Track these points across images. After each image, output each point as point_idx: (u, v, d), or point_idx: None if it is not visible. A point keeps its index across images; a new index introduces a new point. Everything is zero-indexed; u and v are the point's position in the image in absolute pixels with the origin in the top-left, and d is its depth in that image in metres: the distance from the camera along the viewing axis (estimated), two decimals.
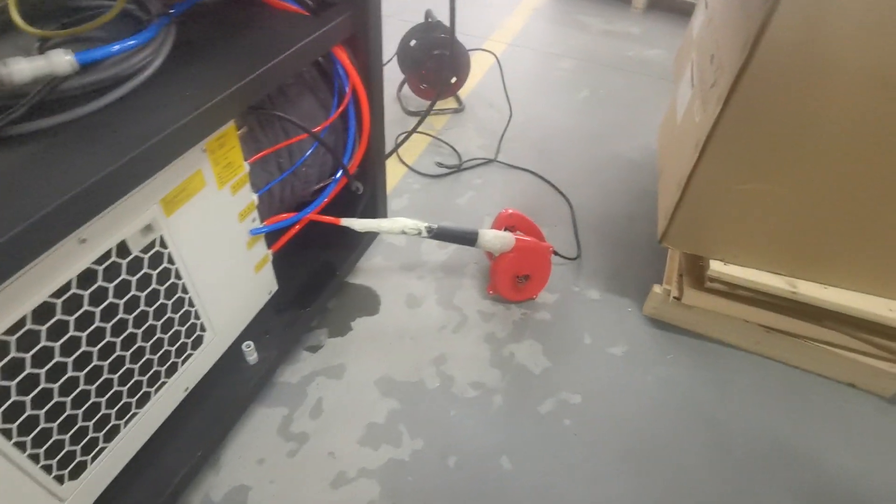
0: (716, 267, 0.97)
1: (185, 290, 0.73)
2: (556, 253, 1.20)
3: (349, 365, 1.06)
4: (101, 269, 0.59)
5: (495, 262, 1.13)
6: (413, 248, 1.31)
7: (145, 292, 0.67)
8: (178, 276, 0.71)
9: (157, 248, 0.66)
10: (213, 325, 0.82)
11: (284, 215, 0.90)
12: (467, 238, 1.08)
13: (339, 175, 0.95)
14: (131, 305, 0.65)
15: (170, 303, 0.72)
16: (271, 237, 0.90)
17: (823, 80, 0.73)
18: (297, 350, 1.07)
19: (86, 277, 0.58)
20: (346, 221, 0.98)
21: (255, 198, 0.82)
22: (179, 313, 0.74)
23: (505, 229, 1.17)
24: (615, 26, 2.41)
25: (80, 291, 0.58)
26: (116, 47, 0.58)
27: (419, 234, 1.03)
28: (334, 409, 0.99)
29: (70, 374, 0.60)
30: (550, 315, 1.18)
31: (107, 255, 0.60)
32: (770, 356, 1.11)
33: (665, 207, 1.00)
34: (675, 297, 1.07)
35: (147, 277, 0.66)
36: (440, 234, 1.05)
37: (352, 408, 1.00)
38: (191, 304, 0.76)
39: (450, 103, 1.82)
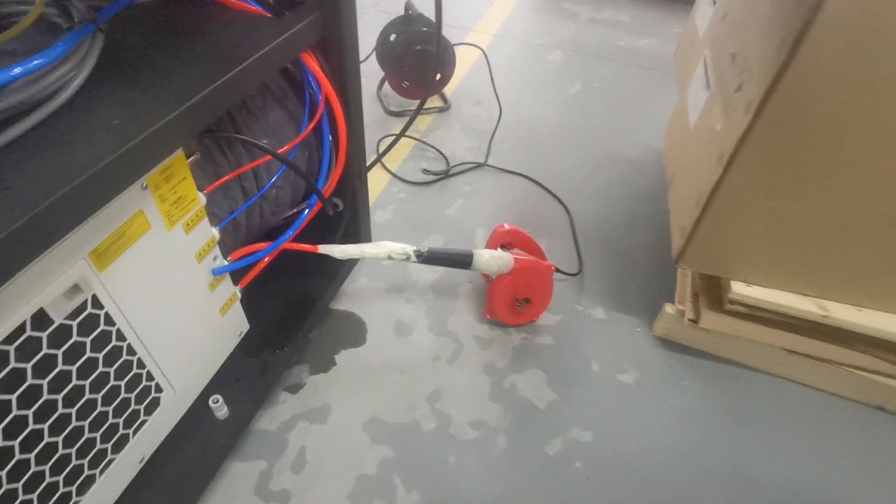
0: (738, 289, 0.88)
1: (131, 352, 0.61)
2: (557, 270, 1.10)
3: (334, 406, 0.95)
4: (11, 349, 0.47)
5: (492, 284, 1.02)
6: (400, 267, 1.19)
7: (77, 365, 0.55)
8: (120, 338, 0.59)
9: (88, 310, 0.54)
10: (171, 382, 0.70)
11: (252, 247, 0.78)
12: (461, 261, 0.97)
13: (314, 200, 0.83)
14: (60, 383, 0.53)
15: (112, 370, 0.60)
16: (239, 271, 0.78)
17: (874, 85, 0.63)
18: (275, 391, 0.96)
19: None
20: (324, 248, 0.87)
21: (215, 233, 0.70)
22: (126, 379, 0.62)
23: (501, 247, 1.06)
24: (603, 14, 2.29)
25: None
26: (18, 69, 0.46)
27: (407, 259, 0.92)
28: (319, 459, 0.88)
29: None
30: (553, 339, 1.08)
31: (19, 330, 0.47)
32: (792, 378, 1.02)
33: (681, 225, 0.90)
34: (690, 320, 0.98)
35: (78, 347, 0.54)
36: (431, 259, 0.94)
37: (339, 457, 0.89)
38: (140, 366, 0.64)
39: (434, 101, 1.70)
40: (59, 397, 0.54)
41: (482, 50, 1.69)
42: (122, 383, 0.62)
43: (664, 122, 1.64)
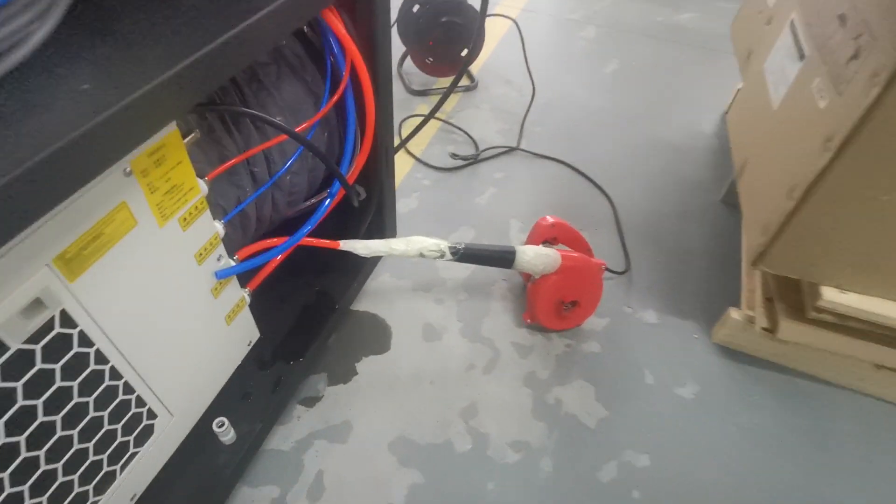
0: (830, 296, 0.75)
1: (115, 377, 0.50)
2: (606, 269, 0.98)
3: (356, 422, 0.84)
4: None
5: (535, 284, 0.90)
6: (428, 263, 1.07)
7: (43, 398, 0.43)
8: (100, 361, 0.48)
9: (56, 330, 0.43)
10: (167, 406, 0.59)
11: (263, 244, 0.66)
12: (502, 259, 0.85)
13: (335, 188, 0.71)
14: (21, 421, 0.42)
15: (90, 399, 0.48)
16: (248, 271, 0.67)
17: None
18: (289, 405, 0.85)
19: None
20: (346, 245, 0.75)
21: (219, 228, 0.58)
22: (110, 408, 0.51)
23: (544, 242, 0.93)
24: None
25: None
26: None
27: (441, 256, 0.80)
28: (339, 485, 0.77)
29: None
30: (600, 346, 0.96)
31: None
32: (881, 397, 0.89)
33: (762, 221, 0.77)
34: (764, 329, 0.85)
35: (45, 375, 0.43)
36: (468, 256, 0.82)
37: (361, 484, 0.78)
38: (127, 391, 0.52)
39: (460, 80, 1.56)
40: (21, 439, 0.43)
41: (515, 22, 1.55)
42: (105, 413, 0.50)
43: (711, 104, 1.49)
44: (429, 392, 0.88)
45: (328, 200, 0.70)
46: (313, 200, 0.75)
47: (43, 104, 0.37)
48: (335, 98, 0.65)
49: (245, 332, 0.70)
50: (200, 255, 0.57)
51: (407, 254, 0.78)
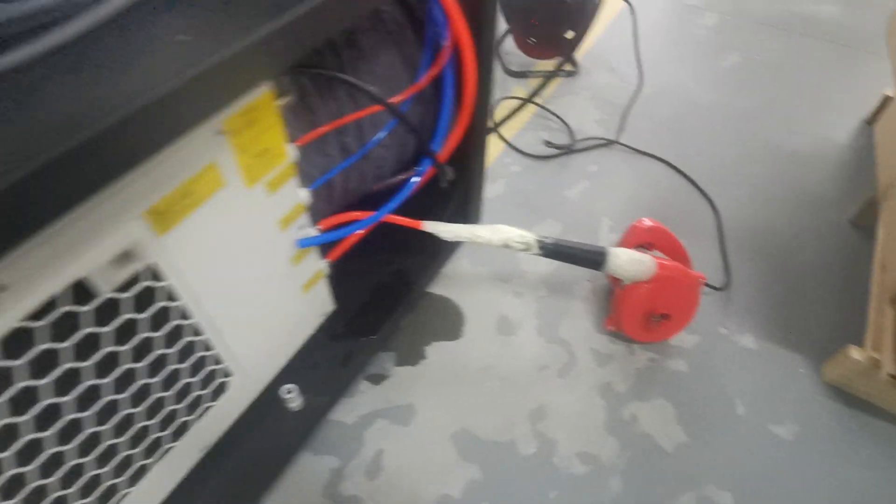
0: None
1: (196, 332, 0.51)
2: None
3: (419, 407, 0.82)
4: (40, 325, 0.37)
5: (625, 291, 0.83)
6: (510, 254, 1.03)
7: (130, 346, 0.44)
8: (184, 316, 0.48)
9: (145, 282, 0.43)
10: (241, 366, 0.59)
11: (347, 216, 0.65)
12: (592, 260, 0.79)
13: (424, 166, 0.68)
14: (106, 367, 0.43)
15: (173, 352, 0.49)
16: (328, 243, 0.66)
17: None
18: (356, 379, 0.84)
19: (14, 342, 0.36)
20: (429, 226, 0.72)
21: (305, 196, 0.57)
22: (189, 362, 0.52)
23: (638, 247, 0.86)
24: None
25: (6, 363, 0.36)
26: None
27: (527, 249, 0.75)
28: (397, 468, 0.76)
29: (16, 470, 0.39)
30: (687, 365, 0.88)
31: (50, 305, 0.37)
32: None
33: None
34: (891, 376, 0.74)
35: (131, 325, 0.44)
36: (555, 252, 0.77)
37: (420, 470, 0.76)
38: (207, 348, 0.53)
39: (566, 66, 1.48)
40: (105, 382, 0.44)
41: (629, 3, 1.44)
42: (185, 367, 0.51)
43: (848, 110, 1.32)
44: (497, 388, 0.85)
45: (416, 178, 0.68)
46: (401, 177, 0.73)
47: (137, 57, 0.36)
48: (435, 71, 0.61)
49: (320, 303, 0.70)
50: (285, 221, 0.56)
51: (491, 242, 0.74)
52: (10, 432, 0.38)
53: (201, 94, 0.36)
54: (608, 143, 1.26)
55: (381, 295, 0.82)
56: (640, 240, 0.86)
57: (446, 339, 0.90)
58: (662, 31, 1.62)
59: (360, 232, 0.67)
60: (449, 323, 0.92)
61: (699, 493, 0.75)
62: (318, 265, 0.65)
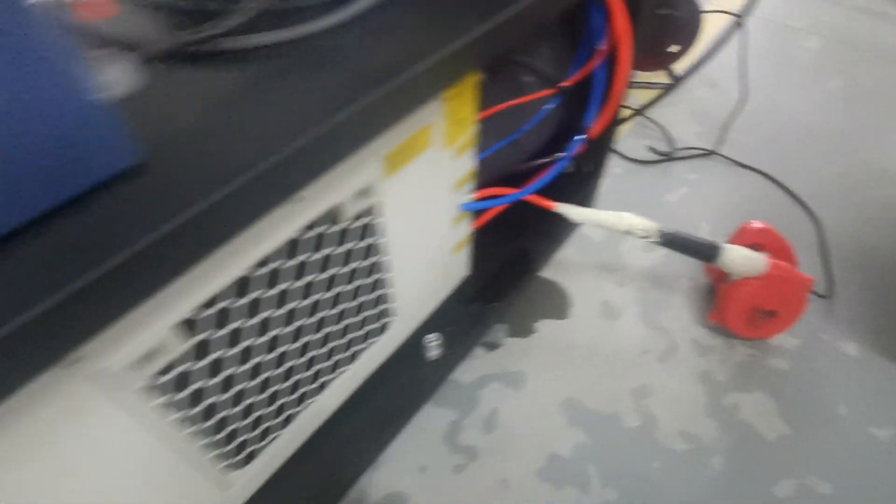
0: None
1: (386, 270, 0.60)
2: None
3: (530, 375, 0.89)
4: (304, 239, 0.47)
5: (733, 286, 0.88)
6: (612, 246, 1.09)
7: (345, 269, 0.54)
8: (383, 253, 0.58)
9: (369, 216, 0.53)
10: (400, 310, 0.69)
11: (497, 190, 0.74)
12: (706, 252, 0.84)
13: (572, 150, 0.76)
14: (329, 284, 0.53)
15: (367, 282, 0.59)
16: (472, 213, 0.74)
17: None
18: (474, 343, 0.93)
19: (289, 249, 0.46)
20: (561, 208, 0.80)
21: (474, 164, 0.66)
22: (374, 295, 0.61)
23: (747, 247, 0.91)
24: (874, 3, 1.90)
25: (279, 265, 0.46)
26: None
27: (647, 237, 0.82)
28: (510, 425, 0.83)
29: (257, 359, 0.49)
30: (788, 364, 0.91)
31: (316, 222, 0.47)
32: None
33: None
34: None
35: (349, 253, 0.53)
36: (673, 242, 0.83)
37: (531, 429, 0.83)
38: (387, 286, 0.62)
39: (660, 76, 1.53)
40: (326, 296, 0.53)
41: (738, 20, 1.48)
42: (370, 298, 0.61)
43: None
44: (601, 365, 0.91)
45: (563, 162, 0.76)
46: (542, 160, 0.81)
47: (408, 32, 0.46)
48: (588, 69, 0.69)
49: (462, 265, 0.78)
50: (459, 184, 0.65)
51: (615, 227, 0.81)
52: (264, 326, 0.48)
53: (446, 67, 0.45)
54: (708, 154, 1.30)
55: (506, 269, 0.89)
56: (750, 240, 0.90)
57: (554, 318, 0.97)
58: (764, 51, 1.64)
59: (504, 206, 0.75)
60: (556, 304, 0.99)
61: (799, 481, 0.78)
62: (467, 229, 0.74)
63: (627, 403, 0.86)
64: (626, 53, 0.69)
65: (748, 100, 1.42)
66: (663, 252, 1.07)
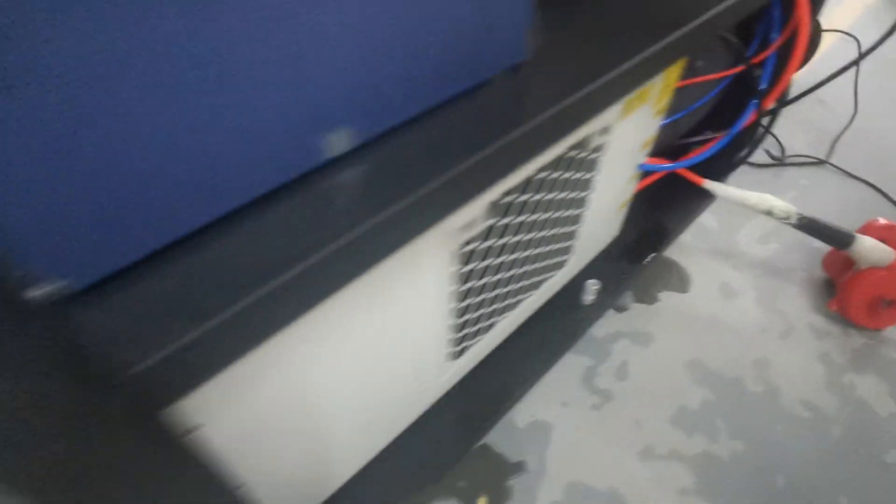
0: None
1: (585, 206, 0.70)
2: None
3: (656, 336, 0.97)
4: (566, 157, 0.56)
5: (858, 275, 0.94)
6: (727, 234, 1.16)
7: (566, 195, 0.63)
8: (591, 189, 0.67)
9: (598, 152, 0.62)
10: (576, 250, 0.78)
11: (657, 160, 0.82)
12: (840, 239, 0.91)
13: (736, 128, 0.84)
14: (555, 205, 0.63)
15: (573, 214, 0.68)
16: None
17: None
18: (608, 302, 1.01)
19: (554, 164, 0.55)
20: (709, 184, 0.88)
21: (659, 129, 0.75)
22: (570, 229, 0.70)
23: None
24: None
25: (546, 175, 0.55)
26: None
27: (787, 219, 0.89)
28: (640, 376, 0.92)
29: (503, 274, 0.59)
30: None
31: (573, 146, 0.56)
32: None
33: None
34: None
35: (574, 181, 0.63)
36: (809, 226, 0.90)
37: (659, 382, 0.91)
38: (579, 223, 0.72)
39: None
40: (549, 217, 0.63)
41: (856, 40, 1.53)
42: (566, 231, 0.70)
43: None
44: (723, 336, 0.98)
45: (727, 139, 0.84)
46: (708, 137, 0.89)
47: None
48: (763, 56, 0.78)
49: (618, 224, 0.87)
50: (646, 144, 0.74)
51: (757, 207, 0.88)
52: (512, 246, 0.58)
53: (688, 41, 0.54)
54: (819, 163, 1.36)
55: (643, 238, 0.98)
56: (878, 235, 0.96)
57: (675, 290, 1.05)
58: (877, 68, 1.68)
59: (660, 174, 0.84)
60: (676, 278, 1.07)
61: None
62: (631, 190, 0.83)
63: (750, 371, 0.93)
64: (804, 36, 0.78)
65: (857, 115, 1.47)
66: (777, 245, 1.14)
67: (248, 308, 0.29)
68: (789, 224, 0.90)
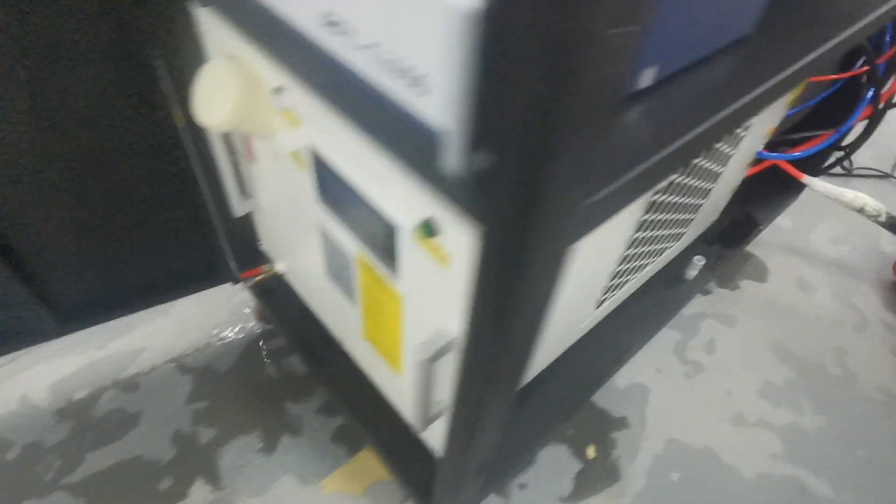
0: None
1: (717, 181, 0.76)
2: None
3: (739, 318, 1.04)
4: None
5: None
6: (802, 234, 1.23)
7: (711, 167, 0.70)
8: (727, 166, 0.74)
9: (745, 132, 0.69)
10: (692, 226, 0.84)
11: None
12: None
13: (844, 127, 0.91)
14: (702, 177, 0.69)
15: (706, 187, 0.75)
16: None
17: None
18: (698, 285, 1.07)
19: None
20: (808, 179, 0.95)
21: (780, 121, 0.82)
22: (697, 201, 0.77)
23: None
24: None
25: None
26: None
27: (877, 217, 0.96)
28: (727, 352, 0.98)
29: (654, 231, 0.66)
30: None
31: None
32: None
33: None
34: None
35: (720, 155, 0.69)
36: None
37: (745, 359, 0.98)
38: (706, 198, 0.78)
39: None
40: (688, 184, 0.70)
41: None
42: (694, 203, 0.77)
43: None
44: (802, 324, 1.05)
45: (835, 136, 0.91)
46: (810, 133, 0.96)
47: None
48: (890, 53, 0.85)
49: (721, 207, 0.94)
50: (769, 132, 0.81)
51: (850, 204, 0.95)
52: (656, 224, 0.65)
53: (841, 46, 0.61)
54: (884, 176, 1.42)
55: (734, 226, 1.04)
56: None
57: (755, 280, 1.12)
58: None
59: (767, 163, 0.91)
60: (755, 269, 1.14)
61: None
62: (740, 179, 0.90)
63: (829, 357, 1.00)
64: None
65: None
66: (850, 247, 1.20)
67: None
68: (878, 222, 0.96)
